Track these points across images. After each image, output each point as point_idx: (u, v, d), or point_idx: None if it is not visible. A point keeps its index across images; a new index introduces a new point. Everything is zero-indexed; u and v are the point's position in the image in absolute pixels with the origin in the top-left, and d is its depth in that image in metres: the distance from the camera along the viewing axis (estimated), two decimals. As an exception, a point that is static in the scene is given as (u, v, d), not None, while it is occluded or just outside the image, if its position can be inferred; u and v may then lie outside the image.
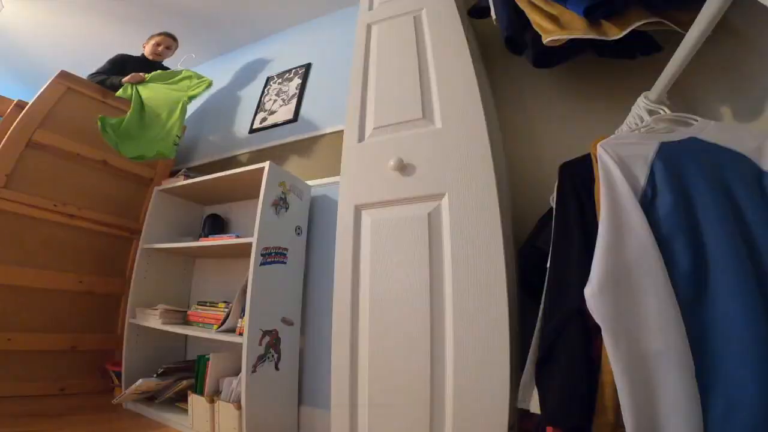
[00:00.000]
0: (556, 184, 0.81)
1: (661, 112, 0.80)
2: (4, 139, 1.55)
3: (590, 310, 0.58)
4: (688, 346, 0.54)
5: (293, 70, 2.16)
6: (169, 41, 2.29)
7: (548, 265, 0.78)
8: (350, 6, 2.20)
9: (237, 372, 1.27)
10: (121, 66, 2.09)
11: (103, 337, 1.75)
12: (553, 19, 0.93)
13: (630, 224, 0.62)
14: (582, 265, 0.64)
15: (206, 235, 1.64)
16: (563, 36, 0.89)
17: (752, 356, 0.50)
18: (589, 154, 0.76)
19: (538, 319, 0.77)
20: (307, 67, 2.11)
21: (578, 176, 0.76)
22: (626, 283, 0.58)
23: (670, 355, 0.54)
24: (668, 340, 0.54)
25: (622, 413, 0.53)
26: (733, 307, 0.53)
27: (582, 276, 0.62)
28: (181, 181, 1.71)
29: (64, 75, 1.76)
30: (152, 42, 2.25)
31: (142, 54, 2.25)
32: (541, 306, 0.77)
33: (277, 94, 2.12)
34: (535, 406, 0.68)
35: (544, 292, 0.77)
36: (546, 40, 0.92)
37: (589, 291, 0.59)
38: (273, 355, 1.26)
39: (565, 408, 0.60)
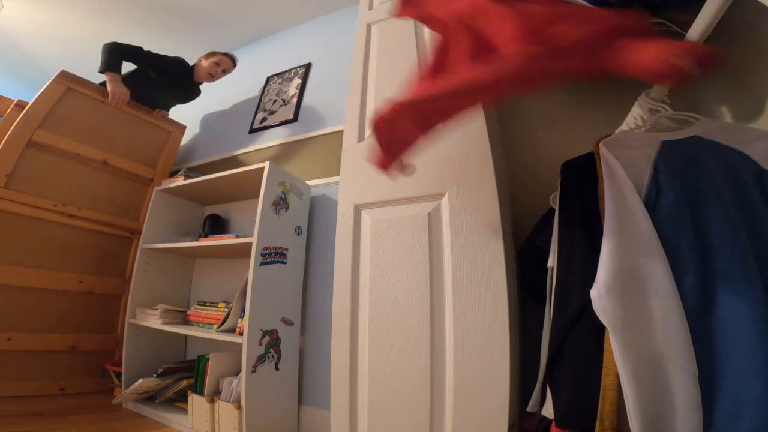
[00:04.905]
0: (559, 182, 0.81)
1: (663, 110, 0.80)
2: (4, 139, 1.55)
3: (597, 312, 0.58)
4: (692, 349, 0.53)
5: (293, 70, 2.16)
6: (228, 63, 2.15)
7: (549, 265, 0.78)
8: (350, 6, 2.20)
9: (237, 372, 1.27)
10: (166, 65, 2.01)
11: (103, 337, 1.75)
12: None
13: (635, 225, 0.61)
14: (588, 264, 0.64)
15: (206, 235, 1.64)
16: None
17: (758, 357, 0.50)
18: (591, 153, 0.76)
19: (546, 320, 0.77)
20: (307, 67, 2.11)
21: (581, 175, 0.76)
22: (632, 285, 0.58)
23: (672, 358, 0.53)
24: (671, 343, 0.54)
25: (628, 415, 0.53)
26: (740, 308, 0.53)
27: (588, 275, 0.62)
28: (181, 181, 1.71)
29: (64, 75, 1.76)
30: (213, 60, 2.10)
31: (194, 66, 2.12)
32: (549, 307, 0.76)
33: (277, 94, 2.12)
34: (547, 411, 0.68)
35: (551, 293, 0.77)
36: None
37: (596, 292, 0.58)
38: (273, 355, 1.26)
39: (577, 409, 0.59)
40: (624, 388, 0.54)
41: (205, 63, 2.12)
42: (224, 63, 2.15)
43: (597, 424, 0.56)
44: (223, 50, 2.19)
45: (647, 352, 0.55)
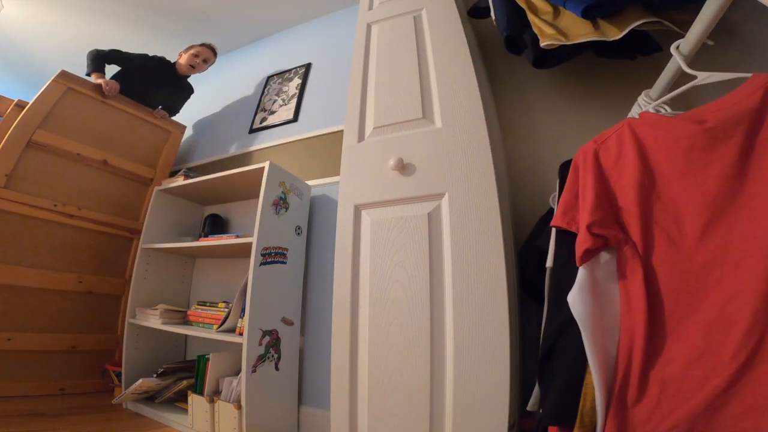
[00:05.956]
0: (557, 183, 0.81)
1: (662, 110, 0.80)
2: (4, 139, 1.55)
3: (571, 308, 0.60)
4: None
5: (293, 70, 2.16)
6: (208, 53, 2.20)
7: (548, 265, 0.78)
8: (350, 6, 2.20)
9: (237, 372, 1.27)
10: (148, 61, 2.09)
11: (103, 337, 1.75)
12: (552, 21, 0.94)
13: None
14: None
15: (206, 235, 1.64)
16: (562, 43, 0.89)
17: None
18: (589, 154, 0.76)
19: (543, 320, 0.77)
20: (307, 67, 2.11)
21: (578, 175, 0.76)
22: (606, 284, 0.60)
23: None
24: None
25: (597, 410, 0.54)
26: None
27: None
28: (181, 181, 1.71)
29: (64, 75, 1.76)
30: (191, 52, 2.16)
31: (175, 62, 2.19)
32: (545, 307, 0.77)
33: (277, 94, 2.12)
34: None
35: (546, 294, 0.77)
36: (543, 44, 0.92)
37: (571, 290, 0.61)
38: (273, 355, 1.26)
39: (565, 407, 0.60)
40: (594, 384, 0.55)
41: (184, 56, 2.18)
42: (203, 53, 2.19)
43: (577, 421, 0.56)
44: (204, 43, 2.23)
45: (614, 350, 0.57)
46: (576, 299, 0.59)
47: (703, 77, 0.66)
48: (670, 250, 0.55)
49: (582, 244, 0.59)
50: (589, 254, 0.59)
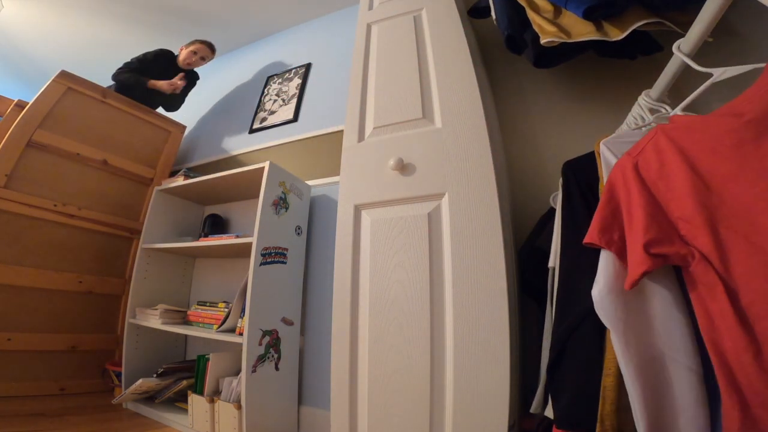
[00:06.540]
0: (560, 182, 0.81)
1: (663, 110, 0.80)
2: (4, 139, 1.55)
3: (598, 312, 0.57)
4: (695, 347, 0.53)
5: (293, 70, 2.16)
6: (206, 51, 2.26)
7: (550, 265, 0.78)
8: (350, 6, 2.20)
9: (237, 372, 1.27)
10: (153, 63, 2.14)
11: (103, 337, 1.75)
12: (554, 20, 0.94)
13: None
14: (592, 265, 0.63)
15: (206, 235, 1.64)
16: (563, 40, 0.89)
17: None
18: (592, 153, 0.76)
19: (548, 320, 0.77)
20: (307, 67, 2.11)
21: (583, 175, 0.76)
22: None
23: (676, 357, 0.53)
24: (674, 343, 0.54)
25: (634, 416, 0.52)
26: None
27: (592, 276, 0.62)
28: (181, 181, 1.71)
29: (64, 75, 1.76)
30: (190, 49, 2.23)
31: (177, 54, 2.25)
32: (551, 308, 0.76)
33: (277, 94, 2.12)
34: (550, 412, 0.68)
35: (553, 294, 0.77)
36: (543, 41, 0.92)
37: (597, 292, 0.58)
38: (273, 355, 1.26)
39: (578, 410, 0.59)
40: (628, 389, 0.53)
41: (183, 51, 2.23)
42: (201, 50, 2.24)
43: (597, 424, 0.55)
44: (204, 41, 2.28)
45: (650, 352, 0.54)
46: (604, 299, 0.56)
47: (719, 73, 0.64)
48: (755, 254, 0.48)
49: (638, 266, 0.54)
50: (644, 275, 0.54)
